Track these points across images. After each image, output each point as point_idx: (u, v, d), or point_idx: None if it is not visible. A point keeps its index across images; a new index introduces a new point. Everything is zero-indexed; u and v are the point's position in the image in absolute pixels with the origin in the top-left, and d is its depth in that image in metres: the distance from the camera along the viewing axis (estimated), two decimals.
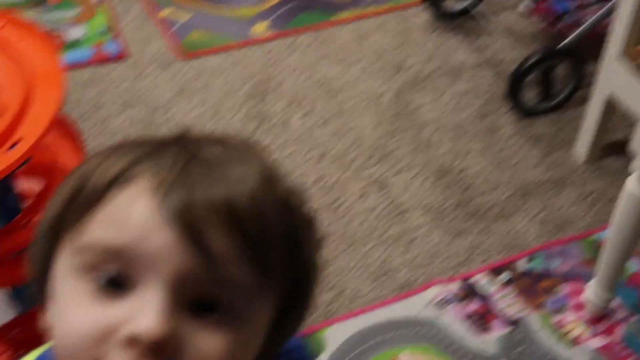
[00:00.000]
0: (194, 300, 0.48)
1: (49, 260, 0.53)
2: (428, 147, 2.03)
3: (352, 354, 1.51)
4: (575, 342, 1.56)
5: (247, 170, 0.53)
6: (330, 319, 1.58)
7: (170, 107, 2.12)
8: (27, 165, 1.33)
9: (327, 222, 1.81)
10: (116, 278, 0.48)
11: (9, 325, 1.32)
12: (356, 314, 1.59)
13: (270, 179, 0.54)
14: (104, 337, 0.47)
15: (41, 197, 1.26)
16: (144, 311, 0.47)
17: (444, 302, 1.61)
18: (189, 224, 0.47)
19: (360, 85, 2.23)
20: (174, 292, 0.47)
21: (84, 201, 0.51)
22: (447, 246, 1.76)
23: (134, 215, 0.48)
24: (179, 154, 0.52)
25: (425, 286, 1.65)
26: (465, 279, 1.68)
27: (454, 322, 1.57)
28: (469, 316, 1.59)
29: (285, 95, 2.18)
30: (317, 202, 1.87)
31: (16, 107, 1.12)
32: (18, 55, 1.20)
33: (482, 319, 1.59)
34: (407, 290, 1.65)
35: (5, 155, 1.08)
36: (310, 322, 1.55)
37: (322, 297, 1.62)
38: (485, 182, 1.93)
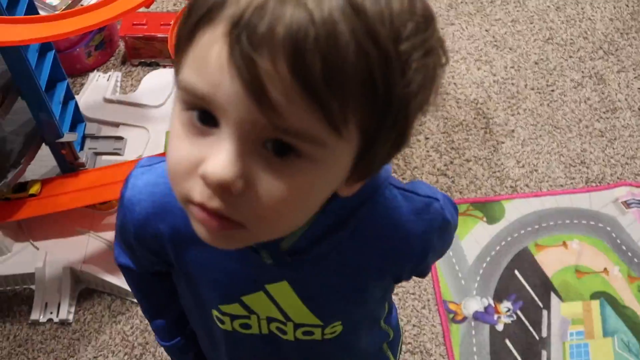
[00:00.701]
0: (268, 141, 0.45)
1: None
2: None
3: (526, 229, 1.50)
4: None
5: None
6: (516, 193, 1.56)
7: None
8: None
9: (538, 103, 1.74)
10: (206, 116, 0.46)
11: None
12: (541, 195, 1.56)
13: (359, 4, 0.43)
14: (191, 169, 0.47)
15: None
16: (215, 153, 0.45)
17: (629, 204, 1.53)
18: (252, 75, 0.42)
19: None
20: (244, 137, 0.45)
21: (184, 34, 0.47)
22: None
23: (210, 63, 0.44)
24: None
25: (615, 185, 1.58)
26: None
27: (633, 224, 1.50)
28: None
29: None
30: (533, 82, 1.79)
31: None
32: None
33: None
34: (596, 184, 1.59)
35: None
36: (496, 191, 1.55)
37: (514, 171, 1.60)
38: None
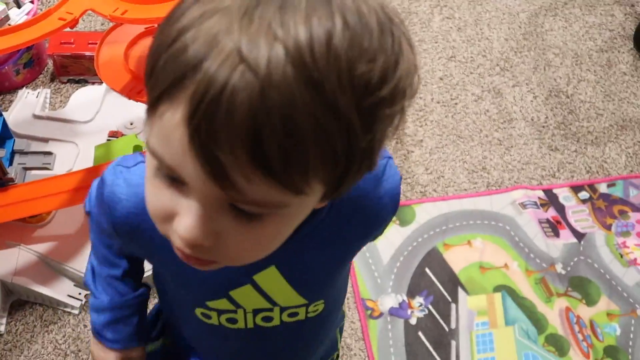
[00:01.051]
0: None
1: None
2: (547, 68, 1.94)
3: (435, 230, 1.54)
4: (631, 263, 1.52)
5: (290, 70, 0.38)
6: (425, 198, 1.60)
7: None
8: None
9: (443, 115, 1.79)
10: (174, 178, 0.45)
11: None
12: (448, 198, 1.61)
13: (316, 78, 0.39)
14: (167, 217, 0.47)
15: None
16: (185, 213, 0.46)
17: (525, 205, 1.60)
18: (212, 163, 0.41)
19: (502, 1, 2.12)
20: (210, 203, 0.45)
21: (150, 98, 0.44)
22: (541, 158, 1.72)
23: (173, 144, 0.42)
24: (235, 56, 0.38)
25: (513, 188, 1.64)
26: (549, 189, 1.64)
27: (529, 223, 1.56)
28: (544, 221, 1.57)
29: None
30: (438, 96, 1.85)
31: None
32: None
33: (554, 226, 1.57)
34: (496, 188, 1.64)
35: None
36: (408, 196, 1.58)
37: (423, 177, 1.64)
38: (589, 109, 1.84)
